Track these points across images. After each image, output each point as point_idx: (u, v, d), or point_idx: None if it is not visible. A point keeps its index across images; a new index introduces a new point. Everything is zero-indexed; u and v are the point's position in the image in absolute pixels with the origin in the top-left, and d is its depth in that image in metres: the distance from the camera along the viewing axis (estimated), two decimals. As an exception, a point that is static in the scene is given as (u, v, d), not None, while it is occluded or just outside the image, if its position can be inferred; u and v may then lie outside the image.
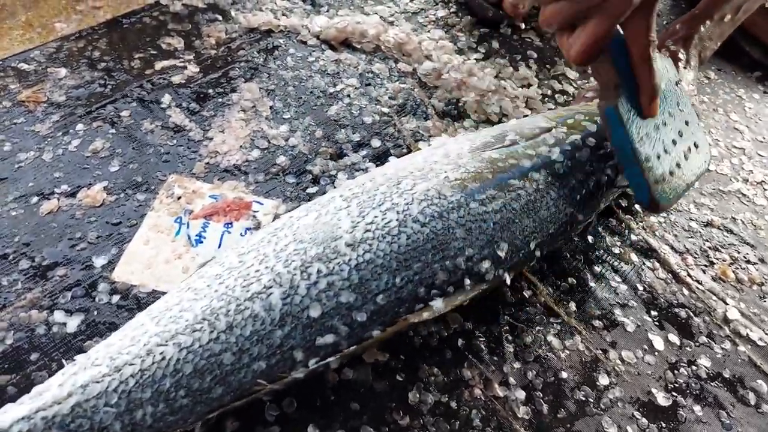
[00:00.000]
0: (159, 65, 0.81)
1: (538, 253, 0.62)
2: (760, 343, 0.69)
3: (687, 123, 0.67)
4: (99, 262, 0.62)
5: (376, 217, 0.55)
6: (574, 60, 0.54)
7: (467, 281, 0.56)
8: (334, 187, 0.72)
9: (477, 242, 0.57)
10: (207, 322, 0.49)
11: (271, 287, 0.51)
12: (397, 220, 0.55)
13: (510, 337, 0.63)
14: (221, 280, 0.52)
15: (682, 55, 0.75)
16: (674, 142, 0.65)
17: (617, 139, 0.61)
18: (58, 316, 0.57)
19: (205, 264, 0.55)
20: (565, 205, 0.63)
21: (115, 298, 0.59)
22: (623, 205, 0.79)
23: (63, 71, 0.78)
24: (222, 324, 0.49)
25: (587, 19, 0.51)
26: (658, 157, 0.63)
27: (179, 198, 0.67)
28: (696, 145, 0.68)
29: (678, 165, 0.65)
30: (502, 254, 0.58)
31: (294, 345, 0.50)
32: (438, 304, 0.54)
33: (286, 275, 0.51)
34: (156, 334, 0.48)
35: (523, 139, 0.65)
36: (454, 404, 0.57)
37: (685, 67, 0.75)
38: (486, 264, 0.57)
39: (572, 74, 0.96)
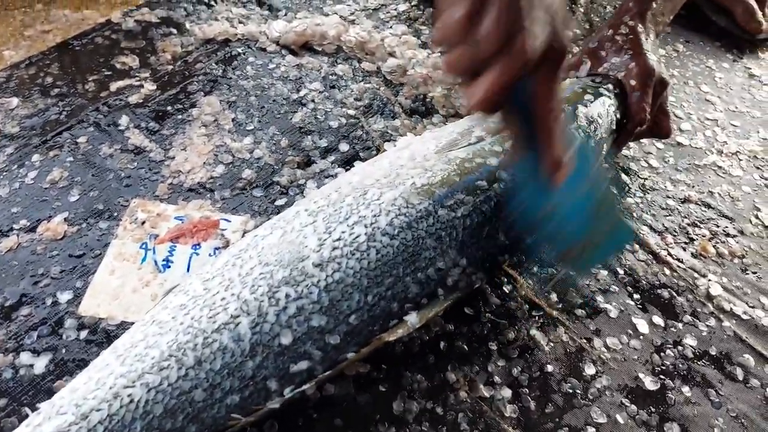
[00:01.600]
0: (114, 86, 0.79)
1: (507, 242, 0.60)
2: (744, 316, 0.68)
3: (605, 205, 0.60)
4: (64, 297, 0.60)
5: (343, 232, 0.53)
6: (475, 109, 0.48)
7: (440, 291, 0.55)
8: (303, 198, 0.70)
9: (448, 250, 0.55)
10: (174, 359, 0.47)
11: (238, 316, 0.49)
12: (365, 234, 0.53)
13: (493, 335, 0.62)
14: (186, 310, 0.50)
15: (641, 29, 0.74)
16: (588, 220, 0.57)
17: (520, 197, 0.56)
18: (25, 357, 0.55)
19: (170, 291, 0.53)
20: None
21: (83, 334, 0.57)
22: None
23: (15, 101, 0.76)
24: (190, 359, 0.47)
25: (489, 68, 0.45)
26: (563, 234, 0.57)
27: (143, 223, 0.65)
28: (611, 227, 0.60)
29: (588, 243, 0.58)
30: (473, 259, 0.57)
31: (267, 375, 0.48)
32: (413, 319, 0.53)
33: (254, 302, 0.49)
34: (122, 375, 0.46)
35: (489, 134, 0.63)
36: (440, 410, 0.56)
37: (646, 39, 0.74)
38: (458, 271, 0.56)
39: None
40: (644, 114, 0.72)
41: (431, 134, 0.66)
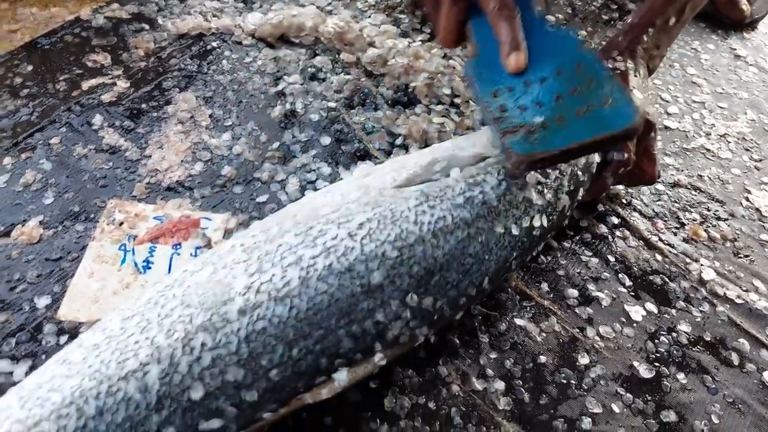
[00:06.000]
0: (86, 85, 0.77)
1: (462, 301, 0.55)
2: (738, 300, 0.67)
3: (594, 83, 0.55)
4: (42, 302, 0.58)
5: (274, 275, 0.48)
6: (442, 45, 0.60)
7: (378, 346, 0.50)
8: (285, 193, 0.68)
9: (390, 301, 0.50)
10: (74, 407, 0.43)
11: (148, 364, 0.44)
12: (298, 278, 0.48)
13: (484, 328, 0.61)
14: (98, 352, 0.45)
15: (630, 65, 0.69)
16: (559, 98, 0.55)
17: (473, 92, 0.60)
18: (3, 364, 0.53)
19: (93, 325, 0.49)
20: (500, 250, 0.57)
21: (63, 339, 0.55)
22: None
23: (-17, 103, 0.73)
24: (91, 409, 0.43)
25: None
26: (523, 108, 0.55)
27: (121, 224, 0.63)
28: (604, 103, 0.54)
29: (559, 118, 0.54)
30: (418, 312, 0.51)
31: None
32: (341, 377, 0.48)
33: (167, 349, 0.45)
34: (18, 421, 0.42)
35: (457, 168, 0.57)
36: (432, 404, 0.55)
37: (635, 76, 0.69)
38: (399, 324, 0.50)
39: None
40: (628, 153, 0.66)
41: (391, 165, 0.60)
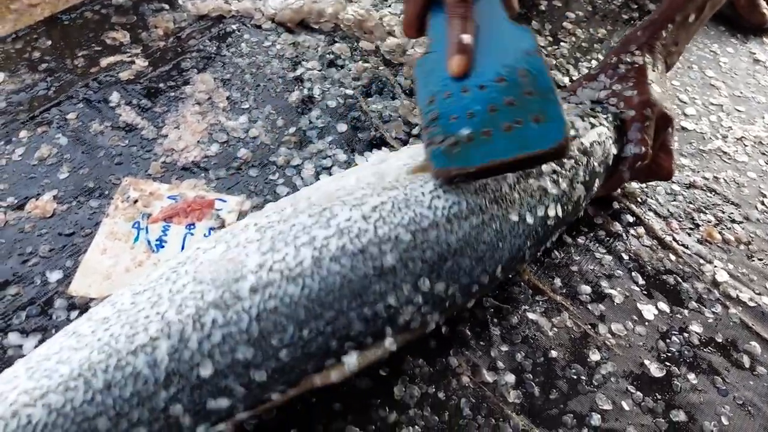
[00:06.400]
0: (105, 62, 0.76)
1: (474, 289, 0.54)
2: (750, 303, 0.67)
3: (533, 94, 0.53)
4: (53, 276, 0.58)
5: (287, 254, 0.47)
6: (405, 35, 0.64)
7: (388, 330, 0.49)
8: (301, 178, 0.68)
9: (403, 285, 0.49)
10: (82, 379, 0.42)
11: (157, 339, 0.44)
12: (311, 258, 0.47)
13: (496, 320, 0.61)
14: (108, 325, 0.45)
15: (648, 59, 0.68)
16: (493, 109, 0.53)
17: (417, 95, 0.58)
18: (13, 338, 0.53)
19: (103, 300, 0.49)
20: (514, 238, 0.56)
21: (74, 314, 0.55)
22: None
23: (1, 75, 0.73)
24: (99, 382, 0.42)
25: None
26: (455, 118, 0.53)
27: (135, 202, 0.63)
28: (535, 119, 0.51)
29: (486, 132, 0.52)
30: (430, 298, 0.51)
31: (180, 409, 0.43)
32: (351, 361, 0.48)
33: (177, 325, 0.44)
34: (25, 392, 0.42)
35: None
36: (442, 395, 0.55)
37: (653, 70, 0.68)
38: (411, 308, 0.50)
39: (542, 41, 0.93)
40: (645, 147, 0.65)
41: (407, 151, 0.60)
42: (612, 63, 0.70)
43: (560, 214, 0.60)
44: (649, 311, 0.64)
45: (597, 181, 0.65)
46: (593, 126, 0.64)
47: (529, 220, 0.57)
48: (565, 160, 0.60)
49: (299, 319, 0.46)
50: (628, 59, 0.69)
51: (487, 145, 0.51)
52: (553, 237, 0.64)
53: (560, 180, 0.60)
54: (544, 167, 0.58)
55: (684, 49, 0.74)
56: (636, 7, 1.05)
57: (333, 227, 0.49)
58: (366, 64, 0.82)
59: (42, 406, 0.41)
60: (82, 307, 0.56)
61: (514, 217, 0.56)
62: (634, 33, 0.71)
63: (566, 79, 0.87)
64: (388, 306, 0.49)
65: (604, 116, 0.66)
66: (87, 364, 0.43)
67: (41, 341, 0.53)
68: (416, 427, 0.52)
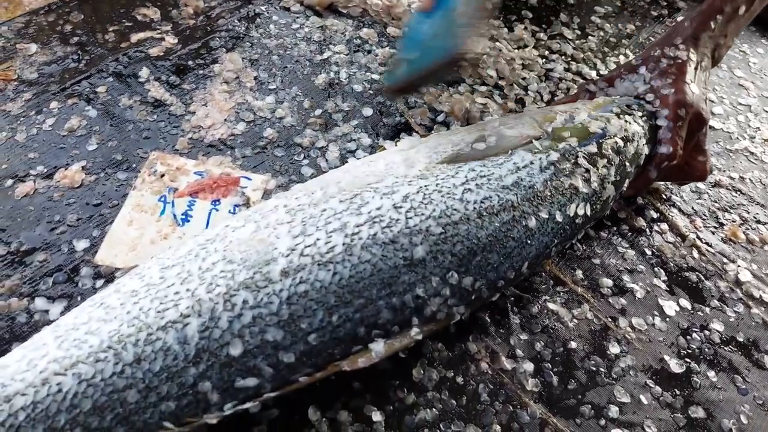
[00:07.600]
0: (135, 38, 0.77)
1: (500, 284, 0.55)
2: (773, 304, 0.66)
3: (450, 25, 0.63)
4: (80, 245, 0.58)
5: (318, 239, 0.48)
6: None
7: (415, 320, 0.50)
8: (326, 160, 0.68)
9: (431, 277, 0.50)
10: (112, 352, 0.43)
11: (188, 316, 0.44)
12: (343, 245, 0.48)
13: (516, 309, 0.61)
14: (137, 299, 0.45)
15: (692, 54, 0.67)
16: (435, 37, 0.64)
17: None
18: (40, 303, 0.54)
19: (130, 271, 0.49)
20: (543, 236, 0.56)
21: (99, 283, 0.56)
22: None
23: (33, 47, 0.74)
24: (129, 355, 0.43)
25: None
26: (405, 47, 0.68)
27: (162, 176, 0.64)
28: (436, 37, 0.64)
29: (417, 55, 0.64)
30: (457, 291, 0.51)
31: (209, 386, 0.44)
32: (378, 348, 0.48)
33: (207, 303, 0.45)
34: (55, 360, 0.42)
35: (502, 149, 0.57)
36: (460, 379, 0.55)
37: (695, 69, 0.66)
38: (438, 300, 0.50)
39: (570, 34, 0.92)
40: (674, 147, 0.64)
41: (437, 139, 0.60)
42: (655, 56, 0.68)
43: (589, 213, 0.60)
44: (670, 307, 0.64)
45: (627, 180, 0.65)
46: (628, 125, 0.64)
47: (559, 218, 0.57)
48: (597, 159, 0.60)
49: (329, 304, 0.47)
50: (671, 53, 0.68)
51: (414, 64, 0.64)
52: (579, 235, 0.64)
53: (592, 178, 0.59)
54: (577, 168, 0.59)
55: (732, 43, 0.72)
56: (666, 4, 1.04)
57: (364, 215, 0.50)
58: (393, 50, 0.82)
59: (72, 376, 0.42)
60: (108, 276, 0.56)
61: (544, 215, 0.56)
62: (681, 23, 0.70)
63: (593, 73, 0.87)
64: (416, 296, 0.49)
65: (640, 114, 0.66)
66: (117, 337, 0.43)
67: (67, 308, 0.54)
68: (434, 409, 0.53)
